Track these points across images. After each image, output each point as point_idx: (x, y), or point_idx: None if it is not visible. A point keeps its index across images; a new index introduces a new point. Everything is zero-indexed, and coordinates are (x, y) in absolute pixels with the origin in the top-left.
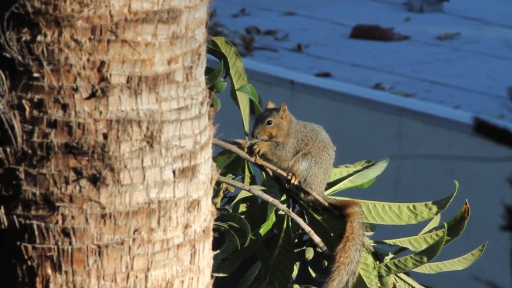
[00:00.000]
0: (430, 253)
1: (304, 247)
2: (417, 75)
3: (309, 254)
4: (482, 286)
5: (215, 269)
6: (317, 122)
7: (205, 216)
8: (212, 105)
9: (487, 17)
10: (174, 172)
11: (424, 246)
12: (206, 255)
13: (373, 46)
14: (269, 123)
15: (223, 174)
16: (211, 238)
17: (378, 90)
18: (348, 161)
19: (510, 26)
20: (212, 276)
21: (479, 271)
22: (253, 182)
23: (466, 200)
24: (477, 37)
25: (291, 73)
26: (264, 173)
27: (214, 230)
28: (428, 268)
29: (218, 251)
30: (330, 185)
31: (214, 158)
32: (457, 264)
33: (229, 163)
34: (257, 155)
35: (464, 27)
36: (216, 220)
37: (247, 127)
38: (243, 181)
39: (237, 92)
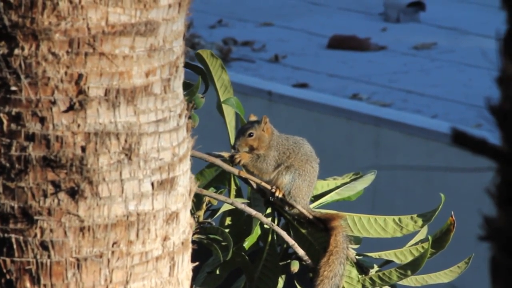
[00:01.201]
0: (414, 266)
1: (289, 260)
2: (394, 85)
3: (295, 267)
4: None
5: (201, 283)
6: (294, 133)
7: (184, 228)
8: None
9: (463, 26)
10: (152, 184)
11: (410, 258)
12: (185, 267)
13: (350, 56)
14: (250, 135)
15: (207, 187)
16: (190, 250)
17: (355, 100)
18: (325, 171)
19: (486, 35)
20: None
21: (457, 280)
22: (239, 195)
23: (452, 212)
24: (454, 46)
25: (268, 84)
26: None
27: (198, 243)
28: (414, 281)
29: (197, 263)
30: (317, 197)
31: (202, 171)
32: (443, 276)
33: (216, 176)
34: (242, 168)
35: (440, 37)
36: (199, 233)
37: (233, 140)
38: (229, 194)
39: (223, 105)
